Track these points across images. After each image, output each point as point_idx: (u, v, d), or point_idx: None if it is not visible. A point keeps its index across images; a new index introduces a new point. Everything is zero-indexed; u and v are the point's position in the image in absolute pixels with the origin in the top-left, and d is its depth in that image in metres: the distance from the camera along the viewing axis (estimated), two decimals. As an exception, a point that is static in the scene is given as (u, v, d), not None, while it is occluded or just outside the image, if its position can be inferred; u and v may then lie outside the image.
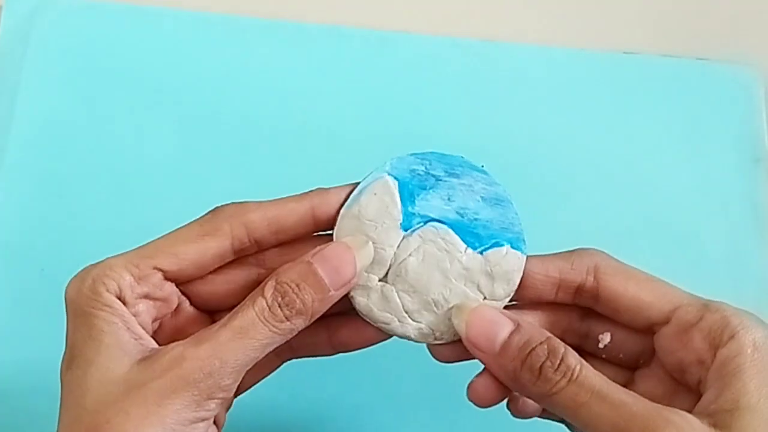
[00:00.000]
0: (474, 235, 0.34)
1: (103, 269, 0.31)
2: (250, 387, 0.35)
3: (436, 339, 0.35)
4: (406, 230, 0.34)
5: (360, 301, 0.34)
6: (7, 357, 0.44)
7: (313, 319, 0.31)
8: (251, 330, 0.30)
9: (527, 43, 0.53)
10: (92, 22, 0.51)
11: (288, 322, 0.30)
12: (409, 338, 0.35)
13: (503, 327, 0.32)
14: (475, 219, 0.34)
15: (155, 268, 0.31)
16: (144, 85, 0.50)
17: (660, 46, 0.53)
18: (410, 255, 0.34)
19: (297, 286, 0.31)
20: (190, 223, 0.33)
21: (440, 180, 0.35)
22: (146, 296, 0.32)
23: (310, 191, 0.34)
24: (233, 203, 0.33)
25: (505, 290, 0.34)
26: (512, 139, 0.50)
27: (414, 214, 0.34)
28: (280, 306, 0.30)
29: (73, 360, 0.30)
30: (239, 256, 0.33)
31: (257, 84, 0.50)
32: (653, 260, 0.48)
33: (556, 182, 0.49)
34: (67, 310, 0.32)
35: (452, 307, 0.34)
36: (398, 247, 0.34)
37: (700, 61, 0.53)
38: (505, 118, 0.51)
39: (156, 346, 0.31)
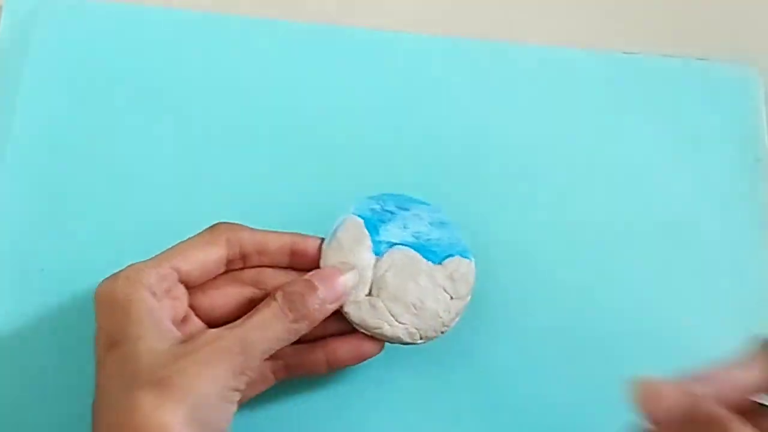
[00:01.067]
0: (430, 252, 0.43)
1: (133, 270, 0.36)
2: (247, 399, 0.39)
3: (421, 338, 0.43)
4: (377, 254, 0.43)
5: (354, 314, 0.42)
6: (7, 357, 0.44)
7: (313, 325, 0.38)
8: (270, 324, 0.36)
9: (527, 43, 0.53)
10: (92, 22, 0.51)
11: (296, 324, 0.37)
12: (399, 340, 0.42)
13: (676, 400, 0.34)
14: (428, 239, 0.44)
15: (172, 267, 0.37)
16: (144, 85, 0.50)
17: (660, 46, 0.53)
18: (386, 271, 0.43)
19: (302, 295, 0.37)
20: (196, 235, 0.39)
21: (395, 214, 0.44)
22: (168, 292, 0.37)
23: (292, 233, 0.41)
24: (229, 223, 0.40)
25: (466, 289, 0.43)
26: (512, 139, 0.50)
27: (381, 241, 0.43)
28: (289, 309, 0.37)
29: (115, 342, 0.34)
30: (228, 269, 0.40)
31: (257, 84, 0.50)
32: (653, 260, 0.49)
33: (554, 182, 0.49)
34: (100, 307, 0.36)
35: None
36: (374, 267, 0.43)
37: (700, 61, 0.53)
38: (505, 118, 0.51)
39: (178, 334, 0.36)
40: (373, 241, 0.43)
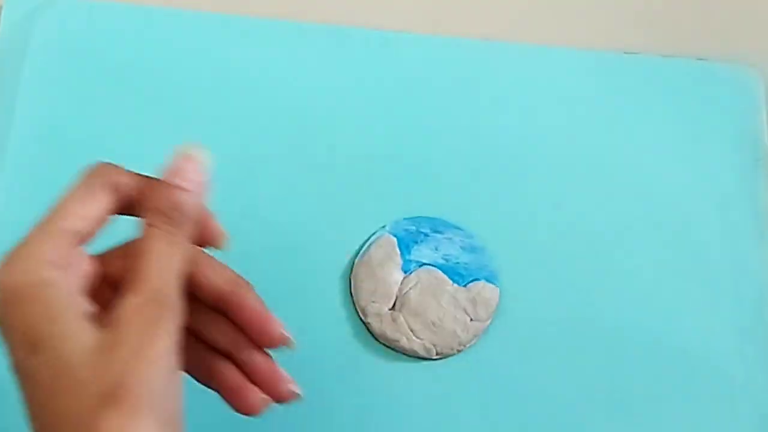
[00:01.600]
0: (457, 274, 0.46)
1: (28, 250, 0.32)
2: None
3: (437, 354, 0.45)
4: (406, 272, 0.46)
5: (375, 326, 0.45)
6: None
7: (195, 221, 0.34)
8: (168, 255, 0.32)
9: (527, 43, 0.53)
10: (92, 22, 0.51)
11: (181, 230, 0.33)
12: (416, 353, 0.45)
13: None
14: (457, 262, 0.46)
15: (63, 231, 0.33)
16: (144, 84, 0.50)
17: (660, 46, 0.53)
18: (411, 289, 0.45)
19: (174, 205, 0.33)
20: (72, 187, 0.35)
21: (428, 235, 0.47)
22: (70, 263, 0.32)
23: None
24: (103, 165, 0.36)
25: (487, 312, 0.46)
26: (512, 139, 0.50)
27: (411, 260, 0.46)
28: (174, 226, 0.33)
29: (36, 343, 0.30)
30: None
31: (257, 84, 0.50)
32: (653, 260, 0.48)
33: (555, 182, 0.49)
34: (4, 301, 0.31)
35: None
36: (401, 283, 0.46)
37: (700, 61, 0.53)
38: (505, 118, 0.51)
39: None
40: (404, 260, 0.46)
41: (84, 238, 0.33)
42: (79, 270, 0.33)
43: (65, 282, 0.31)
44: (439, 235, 0.47)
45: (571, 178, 0.50)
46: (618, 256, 0.48)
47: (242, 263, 0.43)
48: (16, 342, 0.30)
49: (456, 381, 0.45)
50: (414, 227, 0.47)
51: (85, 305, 0.31)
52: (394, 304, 0.46)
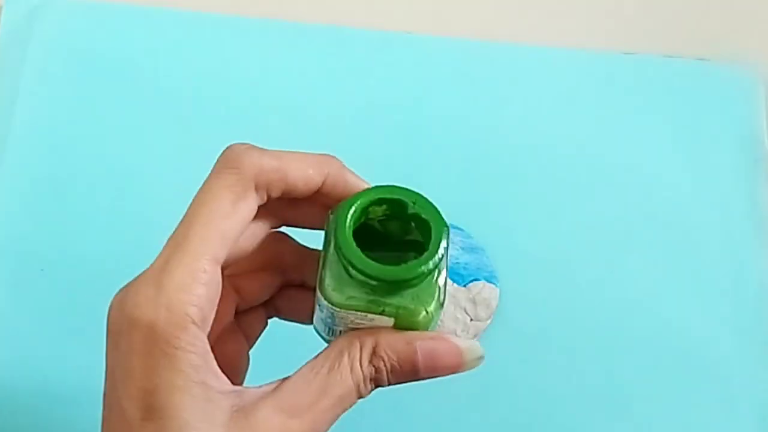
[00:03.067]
0: (457, 274, 0.45)
1: (182, 283, 0.26)
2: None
3: None
4: None
5: None
6: (7, 357, 0.44)
7: None
8: (347, 398, 0.29)
9: (527, 43, 0.53)
10: (92, 22, 0.51)
11: (369, 393, 0.29)
12: None
13: None
14: (457, 262, 0.46)
15: (212, 261, 0.27)
16: (144, 85, 0.50)
17: (660, 46, 0.53)
18: None
19: (391, 367, 0.29)
20: (214, 180, 0.28)
21: None
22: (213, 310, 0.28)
23: (323, 155, 0.31)
24: (243, 146, 0.29)
25: (487, 313, 0.45)
26: (512, 139, 0.50)
27: None
28: (371, 380, 0.29)
29: (154, 409, 0.26)
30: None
31: (257, 84, 0.50)
32: (653, 260, 0.48)
33: (555, 182, 0.49)
34: (130, 340, 0.26)
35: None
36: None
37: (700, 61, 0.53)
38: (505, 118, 0.51)
39: (229, 384, 0.28)
40: None
41: (228, 262, 0.29)
42: (219, 314, 0.29)
43: (204, 344, 0.27)
44: None
45: (571, 178, 0.50)
46: (618, 256, 0.48)
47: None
48: (132, 393, 0.26)
49: (456, 381, 0.45)
50: None
51: (218, 389, 0.27)
52: None
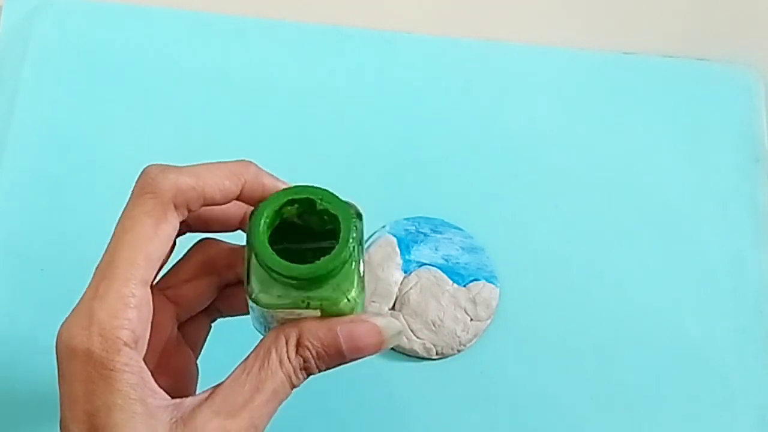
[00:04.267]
0: (457, 274, 0.46)
1: (112, 309, 0.28)
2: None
3: (437, 354, 0.45)
4: (406, 272, 0.46)
5: None
6: (7, 357, 0.44)
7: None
8: (281, 391, 0.30)
9: (527, 43, 0.53)
10: (92, 22, 0.51)
11: (302, 382, 0.31)
12: (416, 353, 0.45)
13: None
14: (457, 263, 0.46)
15: (140, 283, 0.29)
16: (144, 85, 0.50)
17: (660, 46, 0.53)
18: (411, 288, 0.45)
19: (317, 354, 0.30)
20: (133, 206, 0.30)
21: (428, 236, 0.47)
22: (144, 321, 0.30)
23: (239, 163, 0.32)
24: (158, 168, 0.31)
25: (487, 312, 0.45)
26: (512, 139, 0.50)
27: (410, 260, 0.46)
28: (301, 369, 0.30)
29: (96, 428, 0.28)
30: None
31: (257, 84, 0.50)
32: (652, 260, 0.48)
33: (555, 182, 0.49)
34: (71, 367, 0.28)
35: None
36: (401, 283, 0.45)
37: (700, 61, 0.53)
38: (505, 118, 0.51)
39: (167, 398, 0.29)
40: (404, 260, 0.46)
41: (154, 279, 0.30)
42: (154, 333, 0.30)
43: (138, 364, 0.28)
44: (438, 236, 0.47)
45: (571, 178, 0.50)
46: (618, 256, 0.48)
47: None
48: (76, 415, 0.28)
49: (456, 381, 0.45)
50: (414, 227, 0.47)
51: (157, 403, 0.28)
52: (394, 304, 0.45)
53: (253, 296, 0.29)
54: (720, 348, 0.47)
